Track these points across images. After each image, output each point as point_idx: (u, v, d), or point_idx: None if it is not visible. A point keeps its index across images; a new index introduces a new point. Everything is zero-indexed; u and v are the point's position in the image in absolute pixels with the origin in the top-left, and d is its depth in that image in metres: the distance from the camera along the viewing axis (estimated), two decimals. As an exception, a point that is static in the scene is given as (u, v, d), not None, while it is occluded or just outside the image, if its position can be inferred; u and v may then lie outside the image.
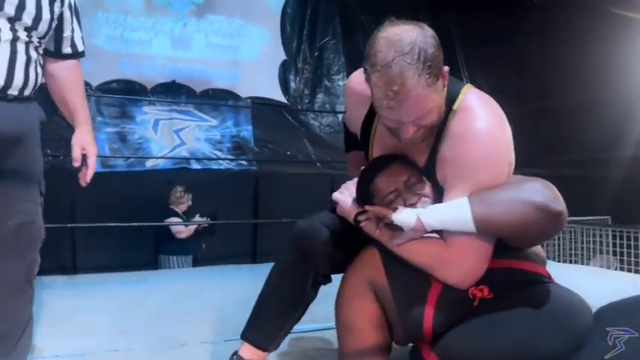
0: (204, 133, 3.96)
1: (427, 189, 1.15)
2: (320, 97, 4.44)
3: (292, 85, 4.35)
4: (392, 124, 1.09)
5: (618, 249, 4.14)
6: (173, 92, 3.89)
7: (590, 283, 2.18)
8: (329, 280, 1.32)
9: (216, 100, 4.01)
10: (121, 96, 3.68)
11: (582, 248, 4.90)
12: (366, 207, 1.16)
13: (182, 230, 3.65)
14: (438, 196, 1.14)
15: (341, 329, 1.22)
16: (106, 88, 3.65)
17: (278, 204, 3.84)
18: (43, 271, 2.95)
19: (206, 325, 1.87)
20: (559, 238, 4.92)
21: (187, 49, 3.96)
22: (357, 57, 4.49)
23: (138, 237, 3.56)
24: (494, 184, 1.06)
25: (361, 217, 1.15)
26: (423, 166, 1.17)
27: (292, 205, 3.51)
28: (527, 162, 4.94)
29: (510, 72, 4.89)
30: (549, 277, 1.15)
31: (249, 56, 4.15)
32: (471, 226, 1.02)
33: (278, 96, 4.21)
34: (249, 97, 4.12)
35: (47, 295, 2.37)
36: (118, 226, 3.20)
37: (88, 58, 3.87)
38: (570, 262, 4.77)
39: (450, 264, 1.07)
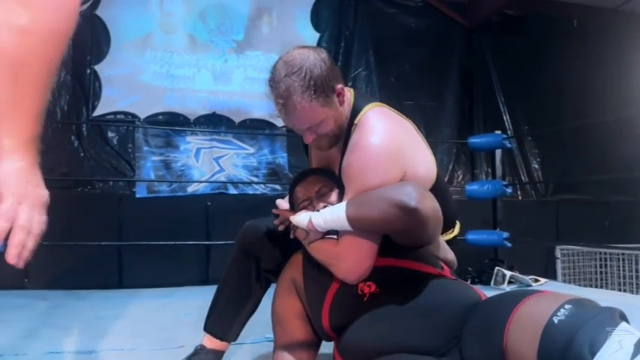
0: (242, 160, 4.22)
1: (334, 197, 1.31)
2: (353, 125, 4.59)
3: (327, 114, 4.53)
4: (296, 131, 1.29)
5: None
6: (214, 123, 4.19)
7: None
8: (276, 276, 1.49)
9: (254, 129, 4.27)
10: (166, 127, 4.01)
11: (633, 277, 4.70)
12: (274, 210, 1.34)
13: None
14: None
15: (274, 323, 1.39)
16: (152, 120, 4.00)
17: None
18: (90, 287, 3.29)
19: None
20: (605, 265, 4.76)
21: (227, 83, 4.27)
22: (389, 86, 4.64)
23: (182, 256, 3.83)
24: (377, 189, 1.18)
25: (276, 221, 1.33)
26: (338, 175, 1.34)
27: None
28: (569, 188, 4.87)
29: (548, 93, 4.85)
30: (440, 274, 1.24)
31: (285, 88, 4.40)
32: (346, 225, 1.17)
33: (312, 124, 4.41)
34: (285, 127, 4.36)
35: (79, 306, 2.66)
36: (163, 244, 3.50)
37: (137, 92, 4.22)
38: (620, 290, 4.58)
39: (339, 259, 1.22)
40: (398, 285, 1.20)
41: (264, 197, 4.17)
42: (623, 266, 4.68)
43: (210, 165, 4.14)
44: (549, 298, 0.98)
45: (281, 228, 1.34)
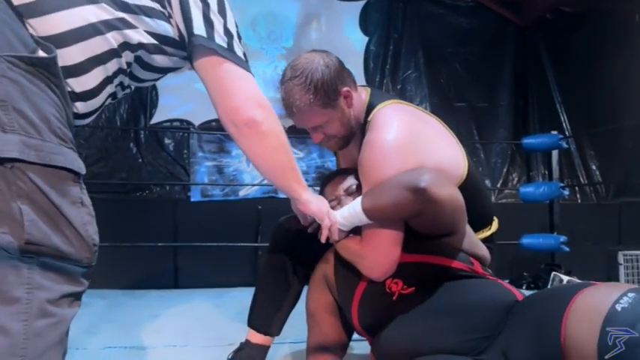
0: (291, 164, 4.28)
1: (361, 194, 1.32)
2: (403, 127, 4.56)
3: (376, 117, 4.52)
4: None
5: None
6: (265, 128, 4.26)
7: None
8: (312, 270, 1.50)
9: (303, 134, 4.30)
10: (219, 132, 4.12)
11: None
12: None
13: None
14: None
15: (307, 317, 1.41)
16: (206, 126, 4.12)
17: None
18: (146, 287, 3.42)
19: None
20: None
21: (277, 90, 4.33)
22: (439, 88, 4.58)
23: (234, 258, 3.90)
24: None
25: (305, 221, 1.35)
26: None
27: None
28: (632, 190, 4.63)
29: (607, 91, 4.64)
30: (470, 269, 1.21)
31: (334, 92, 4.43)
32: (363, 217, 1.18)
33: (362, 128, 4.42)
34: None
35: (136, 304, 2.78)
36: (216, 246, 3.59)
37: (192, 100, 4.33)
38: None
39: (363, 257, 1.22)
40: (427, 283, 1.18)
41: (313, 200, 4.21)
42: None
43: (261, 169, 4.22)
44: (609, 287, 0.93)
45: (310, 230, 1.36)
